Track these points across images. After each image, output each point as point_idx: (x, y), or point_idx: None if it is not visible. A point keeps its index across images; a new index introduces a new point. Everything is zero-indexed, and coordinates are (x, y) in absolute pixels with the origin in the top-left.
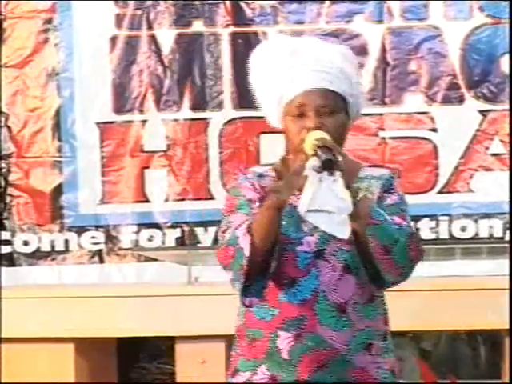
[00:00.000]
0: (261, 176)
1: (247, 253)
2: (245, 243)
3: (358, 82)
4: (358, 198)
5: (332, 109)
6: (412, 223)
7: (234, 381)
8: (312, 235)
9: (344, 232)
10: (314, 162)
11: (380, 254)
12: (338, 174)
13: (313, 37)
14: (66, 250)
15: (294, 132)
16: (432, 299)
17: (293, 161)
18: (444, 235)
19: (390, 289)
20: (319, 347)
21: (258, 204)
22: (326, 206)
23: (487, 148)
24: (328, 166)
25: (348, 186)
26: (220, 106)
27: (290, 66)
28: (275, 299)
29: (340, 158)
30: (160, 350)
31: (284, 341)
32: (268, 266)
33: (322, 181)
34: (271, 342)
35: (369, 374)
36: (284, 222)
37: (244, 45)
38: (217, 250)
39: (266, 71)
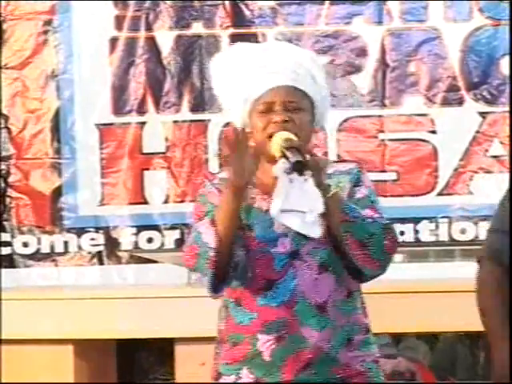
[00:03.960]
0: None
1: (213, 244)
2: (209, 235)
3: (324, 87)
4: (329, 196)
5: (299, 106)
6: (384, 215)
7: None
8: (286, 236)
9: (316, 231)
10: (282, 164)
11: (356, 250)
12: (307, 173)
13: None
14: (66, 252)
15: (261, 127)
16: (432, 301)
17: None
18: (444, 237)
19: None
20: (302, 347)
21: None
22: (297, 206)
23: (487, 150)
24: (298, 168)
25: (318, 185)
26: (219, 107)
27: (258, 65)
28: (253, 303)
29: (308, 158)
30: (158, 354)
31: (265, 344)
32: (232, 256)
33: (292, 182)
34: (251, 345)
35: (354, 369)
36: (256, 226)
37: None
38: (182, 253)
39: (233, 71)
